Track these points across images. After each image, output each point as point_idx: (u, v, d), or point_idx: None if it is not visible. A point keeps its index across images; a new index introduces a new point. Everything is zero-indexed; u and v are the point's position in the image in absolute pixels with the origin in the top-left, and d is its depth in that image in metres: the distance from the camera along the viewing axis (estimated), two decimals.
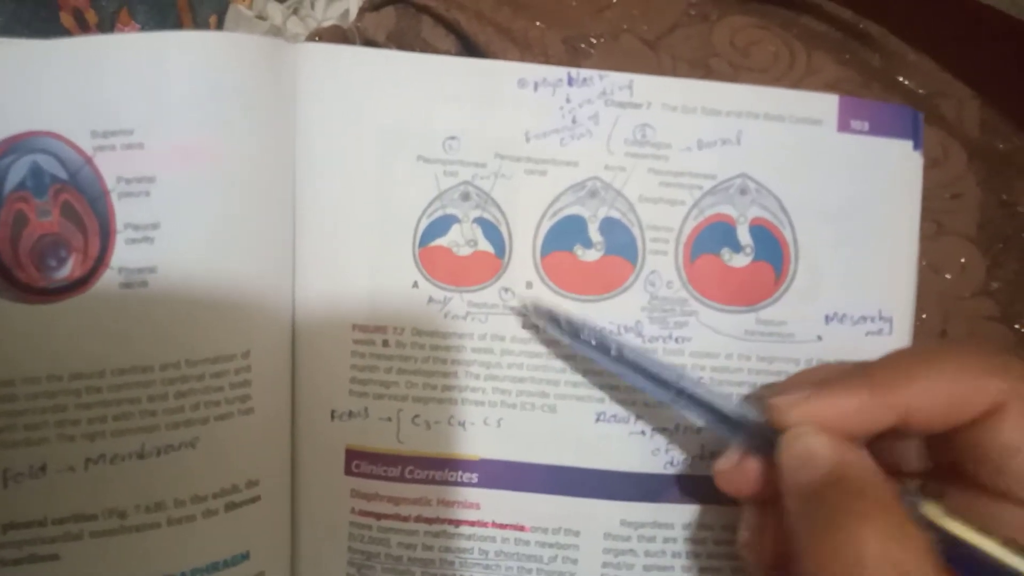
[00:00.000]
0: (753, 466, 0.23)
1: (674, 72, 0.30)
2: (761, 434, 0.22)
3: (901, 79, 0.32)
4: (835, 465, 0.20)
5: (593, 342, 0.25)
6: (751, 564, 0.24)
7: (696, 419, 0.24)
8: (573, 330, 0.25)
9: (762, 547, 0.23)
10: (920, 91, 0.31)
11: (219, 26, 0.36)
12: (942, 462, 0.22)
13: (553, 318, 0.26)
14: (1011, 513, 0.20)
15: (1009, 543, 0.19)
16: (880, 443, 0.22)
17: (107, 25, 0.35)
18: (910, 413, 0.20)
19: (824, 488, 0.20)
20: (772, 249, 0.27)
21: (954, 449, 0.21)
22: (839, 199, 0.27)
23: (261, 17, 0.34)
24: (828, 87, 0.30)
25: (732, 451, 0.23)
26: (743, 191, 0.27)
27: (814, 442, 0.21)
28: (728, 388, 0.27)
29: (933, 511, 0.20)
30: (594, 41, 0.30)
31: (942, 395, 0.20)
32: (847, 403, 0.21)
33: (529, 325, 0.27)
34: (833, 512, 0.19)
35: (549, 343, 0.27)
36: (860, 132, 0.27)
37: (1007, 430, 0.20)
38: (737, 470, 0.23)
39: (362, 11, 0.32)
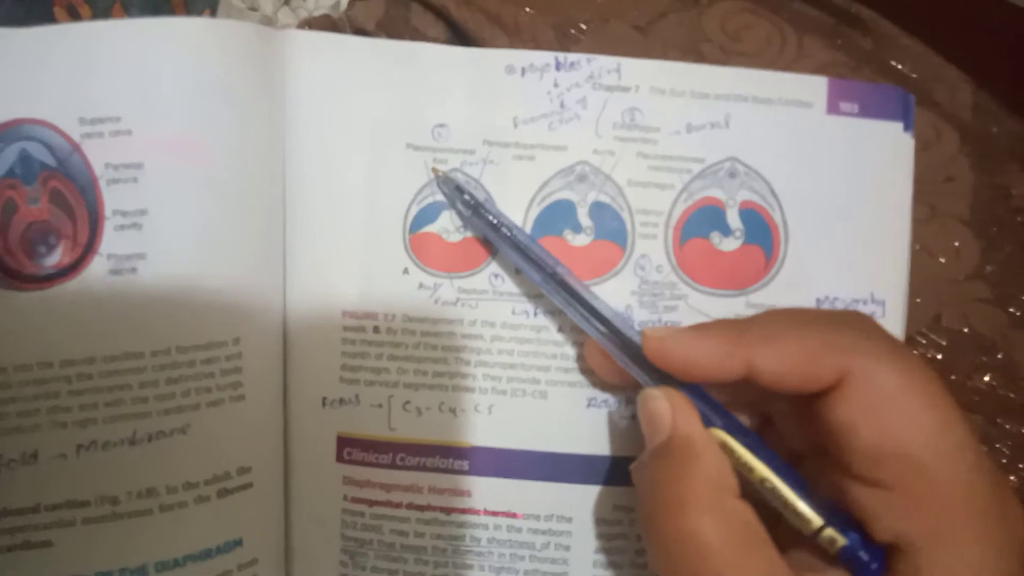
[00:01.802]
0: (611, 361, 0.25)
1: (665, 58, 0.30)
2: (627, 349, 0.24)
3: (893, 63, 0.31)
4: (672, 435, 0.22)
5: (492, 219, 0.26)
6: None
7: (572, 315, 0.25)
8: (474, 205, 0.26)
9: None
10: (913, 75, 0.31)
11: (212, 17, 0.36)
12: (816, 439, 0.22)
13: (459, 189, 0.27)
14: (859, 490, 0.20)
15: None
16: (768, 423, 0.25)
17: (101, 19, 0.35)
18: (756, 369, 0.21)
19: (662, 454, 0.22)
20: (762, 232, 0.27)
21: (816, 424, 0.21)
22: (829, 182, 0.27)
23: (253, 8, 0.34)
24: (820, 71, 0.30)
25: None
26: (732, 174, 0.27)
27: (660, 407, 0.22)
28: None
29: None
30: (584, 27, 0.30)
31: (786, 360, 0.21)
32: (701, 346, 0.22)
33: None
34: (666, 482, 0.21)
35: (539, 328, 0.27)
36: (850, 114, 0.27)
37: (845, 407, 0.20)
38: (600, 355, 0.26)
39: (352, 0, 0.32)
